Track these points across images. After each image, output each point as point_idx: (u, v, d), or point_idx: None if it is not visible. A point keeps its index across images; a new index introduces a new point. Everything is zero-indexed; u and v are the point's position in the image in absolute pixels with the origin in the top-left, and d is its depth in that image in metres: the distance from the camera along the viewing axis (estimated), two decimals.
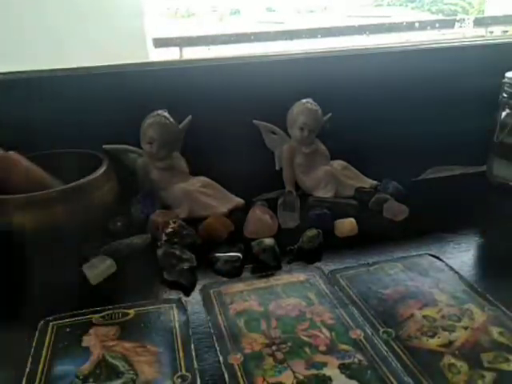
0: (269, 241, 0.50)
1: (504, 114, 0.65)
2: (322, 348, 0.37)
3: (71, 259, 0.48)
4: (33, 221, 0.48)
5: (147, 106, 0.60)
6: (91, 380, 0.34)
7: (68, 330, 0.39)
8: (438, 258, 0.49)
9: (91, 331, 0.38)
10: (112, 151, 0.59)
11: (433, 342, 0.37)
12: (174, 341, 0.37)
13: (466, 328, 0.38)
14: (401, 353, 0.36)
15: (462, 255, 0.51)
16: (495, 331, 0.38)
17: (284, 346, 0.37)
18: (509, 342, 0.37)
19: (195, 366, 0.35)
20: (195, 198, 0.60)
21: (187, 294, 0.45)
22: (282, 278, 0.47)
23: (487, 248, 0.54)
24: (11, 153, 0.52)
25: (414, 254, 0.51)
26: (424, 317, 0.40)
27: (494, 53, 0.75)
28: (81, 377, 0.34)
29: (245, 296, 0.44)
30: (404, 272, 0.47)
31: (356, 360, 0.36)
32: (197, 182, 0.62)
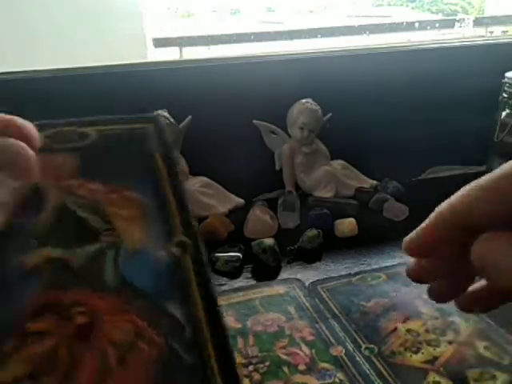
0: (269, 241, 0.50)
1: (504, 113, 0.65)
2: (302, 367, 0.35)
3: None
4: None
5: (147, 106, 0.60)
6: (53, 241, 0.20)
7: None
8: None
9: (41, 157, 0.22)
10: None
11: (417, 358, 0.36)
12: (159, 182, 0.23)
13: (450, 342, 0.37)
14: (383, 371, 0.35)
15: None
16: (481, 345, 0.37)
17: (261, 365, 0.35)
18: (495, 357, 0.35)
19: (194, 225, 0.22)
20: (195, 198, 0.59)
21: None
22: (261, 291, 0.45)
23: None
24: None
25: (396, 262, 0.49)
26: (407, 331, 0.39)
27: (493, 53, 0.75)
28: (37, 234, 0.20)
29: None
30: (387, 283, 0.45)
31: (337, 380, 0.34)
32: (197, 182, 0.62)
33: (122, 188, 0.23)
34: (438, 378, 0.34)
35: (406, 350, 0.37)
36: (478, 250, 0.19)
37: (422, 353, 0.36)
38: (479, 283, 0.24)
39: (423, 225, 0.22)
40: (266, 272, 0.49)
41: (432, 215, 0.21)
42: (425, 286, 0.44)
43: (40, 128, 0.23)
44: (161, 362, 0.17)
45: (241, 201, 0.62)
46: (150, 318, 0.18)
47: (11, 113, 0.23)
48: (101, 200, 0.22)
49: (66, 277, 0.19)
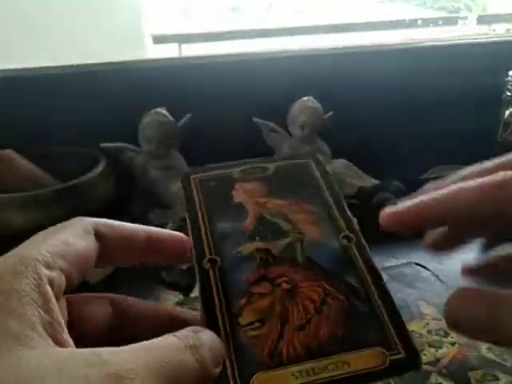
0: None
1: (507, 112, 0.64)
2: None
3: None
4: (29, 220, 0.47)
5: (146, 103, 0.59)
6: (258, 238, 0.30)
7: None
8: (424, 267, 0.48)
9: (237, 186, 0.35)
10: (110, 150, 0.58)
11: None
12: (324, 199, 0.34)
13: (453, 344, 0.37)
14: None
15: (465, 255, 0.51)
16: (483, 346, 0.36)
17: None
18: (497, 359, 0.35)
19: (356, 227, 0.32)
20: None
21: (186, 294, 0.45)
22: None
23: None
24: (8, 151, 0.51)
25: (400, 263, 0.49)
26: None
27: (497, 51, 0.74)
28: (247, 234, 0.30)
29: None
30: (389, 283, 0.45)
31: None
32: None
33: (298, 202, 0.32)
34: (440, 380, 0.34)
35: None
36: (451, 307, 0.19)
37: (425, 354, 0.36)
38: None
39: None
40: None
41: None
42: (426, 289, 0.44)
43: (236, 165, 0.35)
44: (345, 311, 0.25)
45: None
46: (332, 284, 0.26)
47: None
48: (285, 211, 0.32)
49: (271, 259, 0.28)
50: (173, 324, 0.23)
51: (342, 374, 0.22)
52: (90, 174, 0.50)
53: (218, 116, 0.62)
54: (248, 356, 0.24)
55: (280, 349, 0.24)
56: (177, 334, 0.20)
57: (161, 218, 0.54)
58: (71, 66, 0.62)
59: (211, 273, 0.27)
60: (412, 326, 0.39)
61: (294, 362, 0.23)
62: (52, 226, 0.49)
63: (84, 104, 0.60)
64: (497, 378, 0.33)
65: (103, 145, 0.58)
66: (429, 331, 0.38)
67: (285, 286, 0.27)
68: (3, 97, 0.59)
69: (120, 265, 0.26)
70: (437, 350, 0.36)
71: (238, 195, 0.33)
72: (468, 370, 0.34)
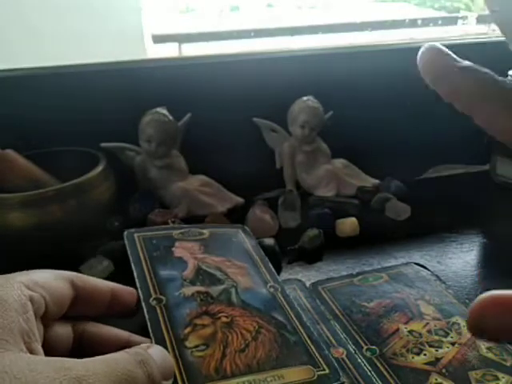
0: (269, 241, 0.49)
1: None
2: None
3: (68, 259, 0.48)
4: (29, 220, 0.47)
5: (145, 103, 0.59)
6: (198, 283, 0.35)
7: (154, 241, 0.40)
8: (424, 267, 0.47)
9: (177, 244, 0.40)
10: (110, 149, 0.58)
11: (419, 360, 0.35)
12: (252, 259, 0.40)
13: (453, 344, 0.36)
14: (385, 372, 0.34)
15: (465, 255, 0.51)
16: (483, 346, 0.36)
17: None
18: (497, 359, 0.35)
19: (279, 279, 0.39)
20: (194, 197, 0.59)
21: None
22: None
23: (489, 249, 0.53)
24: (7, 151, 0.51)
25: (399, 263, 0.49)
26: (409, 332, 0.38)
27: (496, 50, 0.74)
28: (187, 280, 0.35)
29: None
30: (389, 283, 0.44)
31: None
32: (196, 181, 0.61)
33: (230, 259, 0.39)
34: (440, 380, 0.33)
35: (407, 351, 0.36)
36: (475, 315, 0.18)
37: (425, 354, 0.36)
38: None
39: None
40: None
41: None
42: (426, 289, 0.44)
43: (175, 228, 0.41)
44: (277, 340, 0.30)
45: (240, 200, 0.62)
46: (265, 320, 0.32)
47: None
48: (220, 265, 0.37)
49: (210, 300, 0.33)
50: (128, 347, 0.25)
51: None
52: (90, 174, 0.50)
53: (217, 116, 0.62)
54: (196, 371, 0.27)
55: (224, 365, 0.28)
56: (129, 350, 0.24)
57: (161, 217, 0.54)
58: (71, 66, 0.62)
59: (158, 309, 0.31)
60: (412, 326, 0.39)
61: (237, 375, 0.27)
62: (52, 225, 0.51)
63: (84, 104, 0.60)
64: (497, 378, 0.33)
65: (103, 145, 0.58)
66: (428, 331, 0.38)
67: (224, 319, 0.32)
68: (3, 97, 0.59)
69: (87, 315, 0.29)
70: (437, 350, 0.36)
71: (178, 251, 0.38)
72: (468, 369, 0.34)
